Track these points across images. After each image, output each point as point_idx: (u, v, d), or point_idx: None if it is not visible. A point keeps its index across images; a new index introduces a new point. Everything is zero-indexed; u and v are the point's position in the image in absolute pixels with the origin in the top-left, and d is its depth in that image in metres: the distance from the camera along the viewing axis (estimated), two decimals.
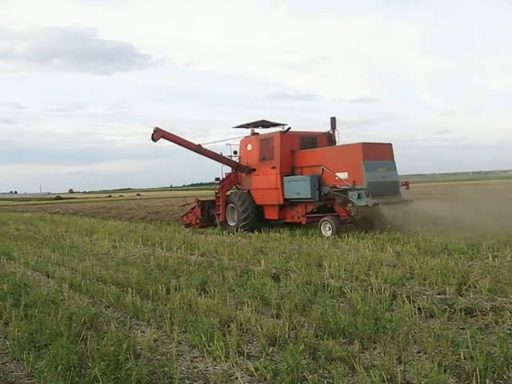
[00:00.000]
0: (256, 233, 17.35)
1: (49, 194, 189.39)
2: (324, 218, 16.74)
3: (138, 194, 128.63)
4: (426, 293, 7.71)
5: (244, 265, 10.73)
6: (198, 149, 20.01)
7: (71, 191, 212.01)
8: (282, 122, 20.29)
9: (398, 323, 5.97)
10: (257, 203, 19.40)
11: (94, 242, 16.99)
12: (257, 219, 19.31)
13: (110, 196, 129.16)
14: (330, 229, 16.27)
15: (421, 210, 15.93)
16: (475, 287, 7.77)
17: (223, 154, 20.44)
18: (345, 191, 16.22)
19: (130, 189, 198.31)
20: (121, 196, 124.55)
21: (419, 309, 6.69)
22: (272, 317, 6.78)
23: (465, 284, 7.95)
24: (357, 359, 4.94)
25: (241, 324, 6.36)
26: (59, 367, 4.88)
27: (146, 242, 16.08)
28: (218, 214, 20.39)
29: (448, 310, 6.66)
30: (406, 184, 17.34)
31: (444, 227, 15.14)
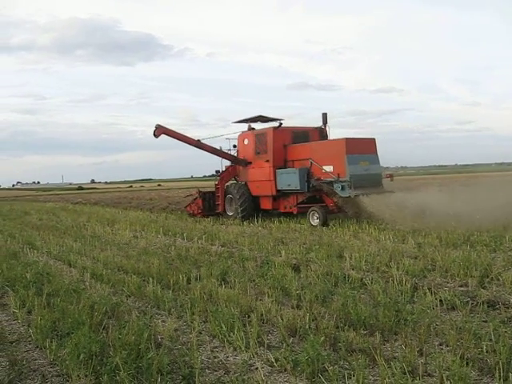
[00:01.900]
0: (276, 223, 17.44)
1: (70, 184, 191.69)
2: (312, 208, 17.65)
3: (159, 185, 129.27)
4: (448, 285, 7.64)
5: (264, 255, 10.73)
6: (198, 144, 21.31)
7: (93, 181, 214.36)
8: (278, 118, 21.44)
9: (420, 315, 5.92)
10: (253, 194, 20.59)
11: (116, 232, 17.11)
12: (253, 209, 20.41)
13: (131, 186, 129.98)
14: (317, 218, 17.21)
15: (402, 201, 16.61)
16: (498, 280, 7.69)
17: (224, 149, 21.80)
18: (330, 183, 17.27)
19: (150, 179, 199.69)
20: (142, 186, 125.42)
21: (441, 301, 6.64)
22: (292, 307, 6.78)
23: (487, 276, 7.87)
24: (378, 351, 4.91)
25: (261, 314, 6.37)
26: (81, 355, 4.92)
27: (166, 232, 16.16)
28: (218, 205, 21.69)
29: (470, 302, 6.59)
30: (390, 176, 18.31)
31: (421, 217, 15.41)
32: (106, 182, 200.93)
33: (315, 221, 17.18)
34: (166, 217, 23.39)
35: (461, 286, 7.56)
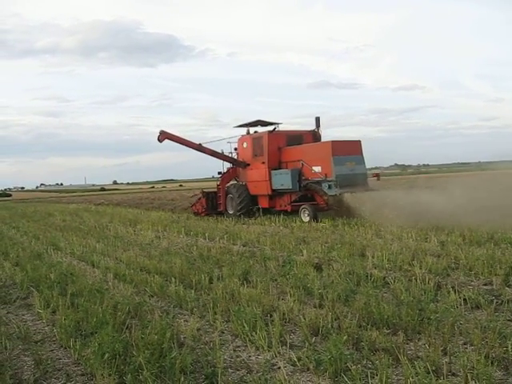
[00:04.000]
0: (298, 223, 17.42)
1: (93, 185, 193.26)
2: (303, 206, 19.14)
3: (181, 185, 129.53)
4: (472, 283, 7.56)
5: (286, 254, 10.70)
6: (199, 147, 22.92)
7: (115, 182, 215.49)
8: (277, 122, 22.95)
9: (443, 314, 5.85)
10: (251, 193, 22.12)
11: (138, 232, 17.24)
12: (251, 208, 21.87)
13: (152, 187, 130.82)
14: (308, 215, 18.57)
15: (387, 199, 17.44)
16: None
17: (226, 152, 23.25)
18: (318, 183, 18.78)
19: (172, 180, 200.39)
20: (163, 187, 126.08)
21: (465, 300, 6.56)
22: (315, 307, 6.76)
23: None
24: (401, 350, 4.88)
25: (283, 314, 6.36)
26: (105, 355, 4.96)
27: (188, 232, 16.24)
28: (219, 204, 23.08)
29: (495, 301, 6.52)
30: (377, 175, 20.18)
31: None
32: (128, 183, 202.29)
33: (306, 217, 18.48)
34: (188, 217, 23.48)
35: (485, 285, 7.47)
